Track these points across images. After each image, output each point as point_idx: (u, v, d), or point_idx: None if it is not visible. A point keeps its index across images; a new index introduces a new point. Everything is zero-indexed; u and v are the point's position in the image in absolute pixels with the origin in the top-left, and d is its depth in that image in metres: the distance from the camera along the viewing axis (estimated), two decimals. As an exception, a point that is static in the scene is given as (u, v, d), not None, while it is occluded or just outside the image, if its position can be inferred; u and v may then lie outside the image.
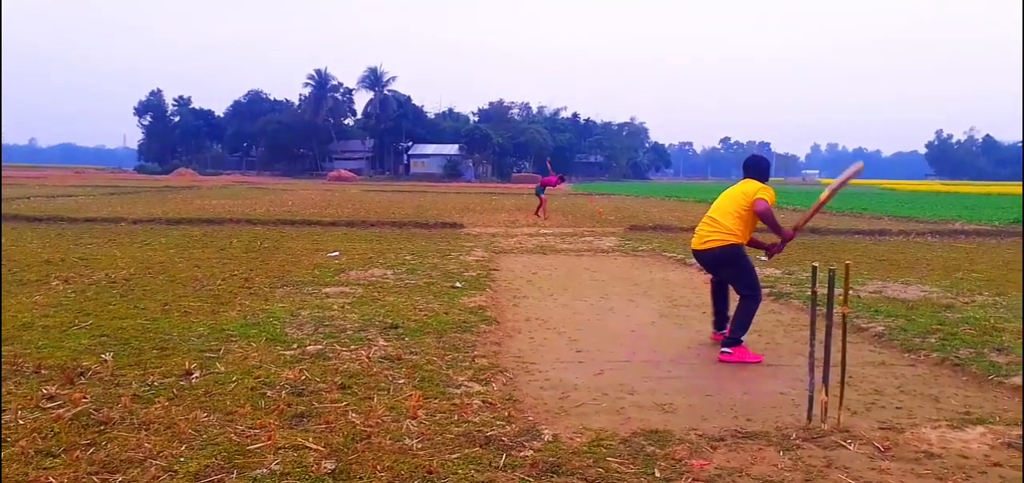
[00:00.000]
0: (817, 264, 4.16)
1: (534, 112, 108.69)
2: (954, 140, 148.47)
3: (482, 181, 77.27)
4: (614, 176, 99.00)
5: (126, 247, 11.65)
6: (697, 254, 5.98)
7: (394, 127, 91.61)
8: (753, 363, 5.41)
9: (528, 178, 74.44)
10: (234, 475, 3.21)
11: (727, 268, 5.79)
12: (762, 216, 5.53)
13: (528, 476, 3.24)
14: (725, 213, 5.69)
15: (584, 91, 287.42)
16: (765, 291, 8.33)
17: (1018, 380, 4.87)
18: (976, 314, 7.05)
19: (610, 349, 5.82)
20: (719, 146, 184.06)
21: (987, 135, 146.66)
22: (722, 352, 5.51)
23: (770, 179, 5.91)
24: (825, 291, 3.99)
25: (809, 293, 4.30)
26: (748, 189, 5.68)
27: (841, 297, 4.10)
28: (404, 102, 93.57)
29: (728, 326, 5.71)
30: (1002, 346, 5.72)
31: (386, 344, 5.49)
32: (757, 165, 5.91)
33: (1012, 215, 23.55)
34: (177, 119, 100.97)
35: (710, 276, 6.19)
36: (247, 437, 3.62)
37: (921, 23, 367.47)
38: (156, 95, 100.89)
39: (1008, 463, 3.49)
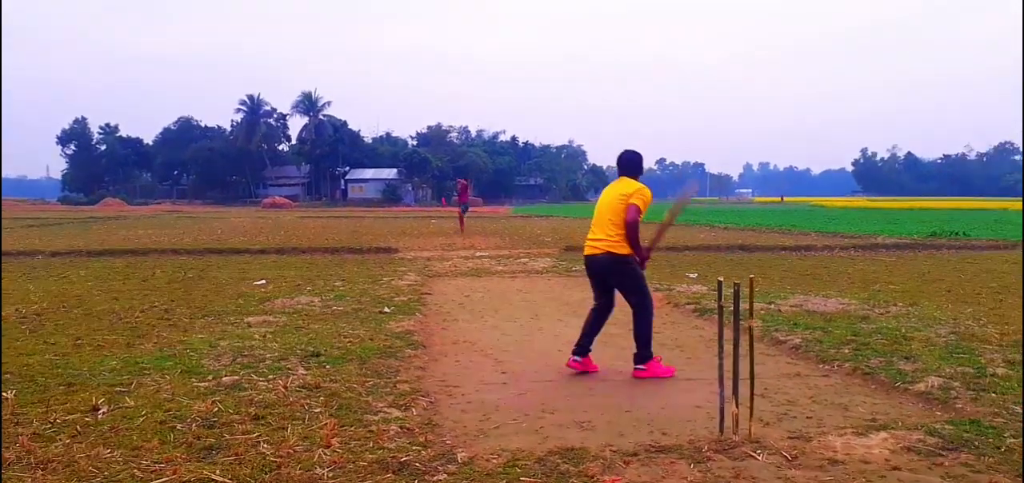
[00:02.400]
0: (722, 279, 4.26)
1: (473, 135, 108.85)
2: (878, 158, 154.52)
3: (422, 205, 76.91)
4: (554, 198, 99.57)
5: (41, 281, 11.19)
6: (587, 260, 5.85)
7: (330, 152, 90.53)
8: (666, 377, 5.50)
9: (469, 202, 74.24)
10: (133, 513, 3.09)
11: (615, 277, 5.71)
12: (628, 228, 5.48)
13: (439, 500, 3.22)
14: (606, 222, 5.61)
15: (522, 115, 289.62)
16: (689, 307, 8.52)
17: (922, 386, 5.07)
18: (889, 324, 7.32)
19: (535, 369, 5.84)
20: (655, 167, 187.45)
21: (909, 152, 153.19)
22: (636, 369, 5.58)
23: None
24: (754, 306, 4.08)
25: (728, 309, 4.38)
26: (625, 190, 5.61)
27: (758, 311, 4.20)
28: (340, 127, 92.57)
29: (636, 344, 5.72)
30: (909, 354, 5.95)
31: (305, 373, 5.39)
32: (631, 161, 5.82)
33: (930, 229, 24.58)
34: (103, 147, 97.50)
35: (594, 301, 5.97)
36: (151, 473, 3.50)
37: (846, 41, 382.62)
38: (80, 123, 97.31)
39: (907, 466, 3.62)
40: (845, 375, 5.60)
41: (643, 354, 5.59)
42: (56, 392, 4.87)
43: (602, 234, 5.64)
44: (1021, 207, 40.28)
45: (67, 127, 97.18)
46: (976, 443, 3.91)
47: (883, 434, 4.09)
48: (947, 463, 3.66)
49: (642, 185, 5.64)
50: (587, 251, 5.83)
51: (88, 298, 9.33)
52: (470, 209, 22.24)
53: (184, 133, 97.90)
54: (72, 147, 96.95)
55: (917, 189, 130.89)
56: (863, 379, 5.45)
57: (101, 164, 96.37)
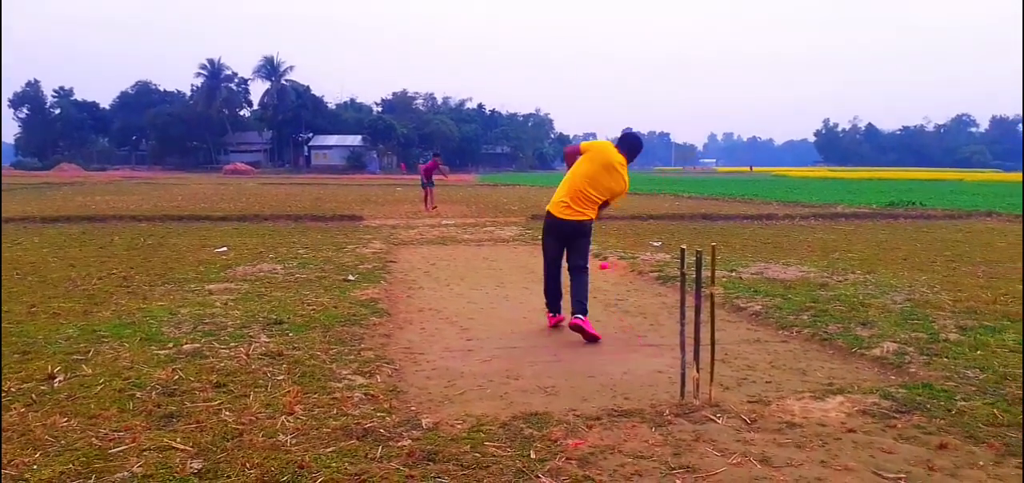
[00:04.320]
0: (684, 247, 4.30)
1: (439, 103, 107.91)
2: (840, 129, 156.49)
3: (387, 172, 76.28)
4: (521, 167, 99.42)
5: (-6, 247, 10.89)
6: (561, 222, 6.03)
7: (293, 118, 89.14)
8: (596, 338, 5.61)
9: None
10: (92, 480, 3.04)
11: (582, 239, 6.04)
12: (604, 206, 6.08)
13: (403, 465, 3.22)
14: (587, 200, 5.94)
15: (490, 82, 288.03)
16: (653, 275, 8.61)
17: (878, 351, 5.19)
18: (847, 291, 7.47)
19: (500, 336, 5.85)
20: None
21: (869, 124, 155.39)
22: (576, 318, 5.67)
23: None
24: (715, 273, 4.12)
25: (690, 277, 4.42)
26: (621, 184, 5.99)
27: (720, 279, 4.24)
28: (303, 92, 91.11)
29: (574, 302, 5.87)
30: (866, 320, 6.09)
31: (268, 340, 5.34)
32: (634, 145, 6.17)
33: (888, 198, 25.08)
34: (58, 111, 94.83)
35: (545, 256, 6.28)
36: (110, 441, 3.44)
37: (810, 11, 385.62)
38: (33, 86, 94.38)
39: (861, 428, 3.71)
40: (804, 341, 5.71)
41: (584, 308, 5.76)
42: (10, 360, 4.76)
43: (580, 208, 5.95)
44: (1022, 180, 40.83)
45: (19, 90, 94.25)
46: (928, 406, 4.01)
47: (839, 398, 4.18)
48: (900, 425, 3.75)
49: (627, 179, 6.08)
50: (563, 214, 6.00)
51: (43, 265, 9.12)
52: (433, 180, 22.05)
53: (142, 97, 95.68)
54: (25, 111, 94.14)
55: (877, 159, 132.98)
56: (821, 345, 5.56)
57: (56, 129, 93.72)
